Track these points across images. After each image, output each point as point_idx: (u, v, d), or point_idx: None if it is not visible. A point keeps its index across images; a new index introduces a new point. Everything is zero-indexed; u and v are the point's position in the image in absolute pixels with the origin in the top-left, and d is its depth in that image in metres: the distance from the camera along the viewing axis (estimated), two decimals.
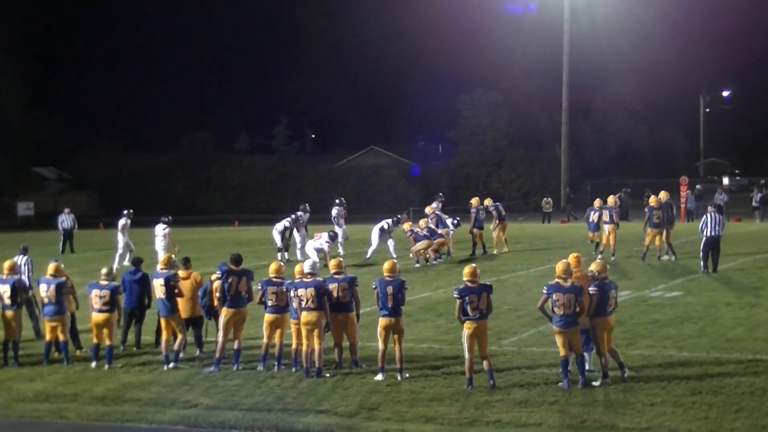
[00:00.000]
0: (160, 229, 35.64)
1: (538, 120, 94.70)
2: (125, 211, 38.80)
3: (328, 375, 16.90)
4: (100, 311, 18.43)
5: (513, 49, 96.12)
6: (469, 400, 14.97)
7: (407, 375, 16.53)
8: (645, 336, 19.39)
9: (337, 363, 17.50)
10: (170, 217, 36.44)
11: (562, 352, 15.69)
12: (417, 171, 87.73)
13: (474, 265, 16.77)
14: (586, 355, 16.09)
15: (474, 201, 37.10)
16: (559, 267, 16.04)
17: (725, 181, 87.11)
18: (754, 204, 56.76)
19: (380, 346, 16.62)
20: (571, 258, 16.61)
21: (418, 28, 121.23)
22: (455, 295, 16.01)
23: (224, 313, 17.91)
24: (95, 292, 18.52)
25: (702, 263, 28.89)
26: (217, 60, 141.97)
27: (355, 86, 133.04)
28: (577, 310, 15.66)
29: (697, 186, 61.95)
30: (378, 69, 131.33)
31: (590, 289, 15.76)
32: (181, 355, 18.49)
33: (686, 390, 15.01)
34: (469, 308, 15.82)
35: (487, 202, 37.73)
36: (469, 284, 15.97)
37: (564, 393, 15.13)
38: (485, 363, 15.96)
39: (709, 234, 28.70)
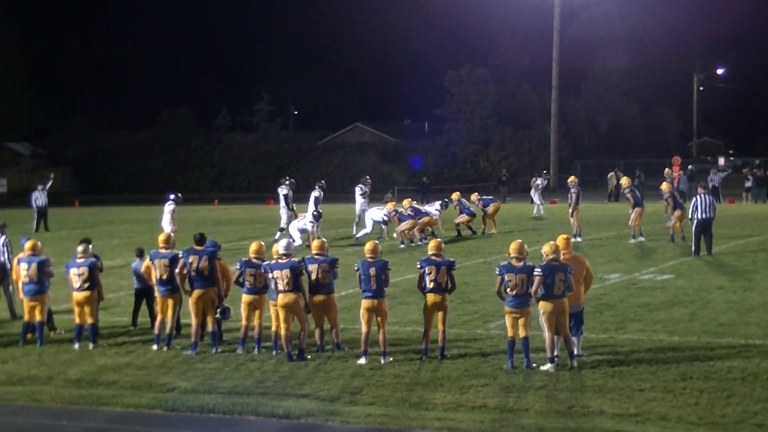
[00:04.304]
0: (168, 206, 34.88)
1: (528, 98, 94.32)
2: (287, 181, 37.00)
3: (309, 357, 16.60)
4: (80, 290, 18.16)
5: (502, 24, 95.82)
6: (454, 384, 14.73)
7: (390, 359, 16.30)
8: (635, 320, 19.15)
9: (319, 346, 17.20)
10: (180, 195, 35.48)
11: (509, 333, 15.79)
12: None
13: (440, 240, 17.17)
14: (574, 339, 15.86)
15: (454, 196, 36.68)
16: (512, 247, 16.04)
17: (720, 161, 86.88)
18: (747, 185, 56.62)
19: (363, 328, 16.40)
20: (560, 239, 16.32)
21: (406, 3, 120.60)
22: (417, 266, 16.61)
23: (191, 294, 17.64)
24: (73, 270, 18.19)
25: (693, 246, 28.53)
26: (197, 34, 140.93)
27: (339, 61, 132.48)
28: (528, 290, 15.63)
29: (690, 166, 61.80)
30: (363, 43, 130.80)
31: (535, 271, 15.59)
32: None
33: (676, 375, 14.81)
34: (427, 279, 16.27)
35: (474, 197, 37.58)
36: (432, 257, 16.45)
37: (551, 377, 14.93)
38: (439, 337, 16.37)
39: (699, 216, 28.32)
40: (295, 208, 36.29)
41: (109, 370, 16.38)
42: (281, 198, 36.35)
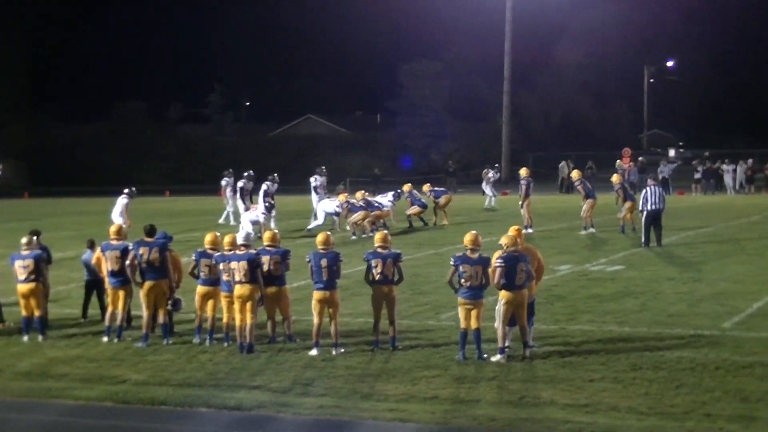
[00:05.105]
0: (121, 200, 34.57)
1: (481, 91, 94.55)
2: (246, 174, 37.95)
3: (256, 350, 16.51)
4: (26, 281, 17.98)
5: (457, 17, 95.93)
6: (405, 375, 14.72)
7: (342, 350, 16.29)
8: (585, 311, 19.24)
9: (271, 337, 17.16)
10: (134, 189, 35.15)
11: (462, 324, 15.80)
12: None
13: (386, 232, 17.44)
14: (529, 328, 15.87)
15: (406, 187, 36.76)
16: (467, 238, 16.02)
17: (671, 153, 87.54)
18: (696, 177, 57.22)
19: (315, 320, 16.37)
20: (513, 230, 16.32)
21: None
22: (364, 258, 16.64)
23: (143, 286, 17.56)
24: (18, 262, 18.04)
25: (643, 237, 28.75)
26: (150, 26, 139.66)
27: (291, 53, 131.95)
28: (483, 282, 15.63)
29: (640, 158, 62.20)
30: (315, 35, 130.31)
31: (496, 262, 15.57)
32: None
33: (627, 366, 14.89)
34: (374, 271, 16.31)
35: (426, 188, 37.80)
36: (378, 249, 16.49)
37: (503, 368, 14.95)
38: (390, 328, 16.44)
39: (649, 208, 28.53)
40: (251, 200, 36.34)
41: (60, 362, 16.24)
42: (238, 190, 36.41)
